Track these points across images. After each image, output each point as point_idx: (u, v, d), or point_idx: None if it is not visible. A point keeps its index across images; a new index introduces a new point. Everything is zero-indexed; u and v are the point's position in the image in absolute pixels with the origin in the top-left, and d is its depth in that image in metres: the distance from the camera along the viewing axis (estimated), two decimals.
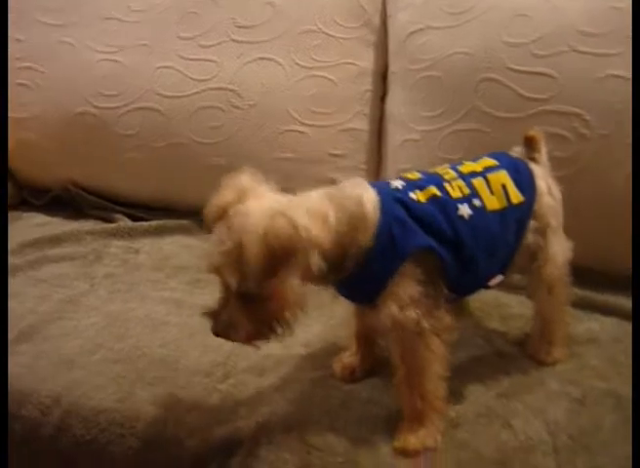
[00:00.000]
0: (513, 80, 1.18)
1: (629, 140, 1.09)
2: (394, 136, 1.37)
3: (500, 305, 1.15)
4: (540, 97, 1.16)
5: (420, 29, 1.29)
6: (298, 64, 1.40)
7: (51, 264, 1.30)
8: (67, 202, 1.54)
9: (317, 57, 1.39)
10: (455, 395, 0.91)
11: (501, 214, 0.89)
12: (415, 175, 0.91)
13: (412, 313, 0.81)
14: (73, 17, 1.52)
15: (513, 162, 0.95)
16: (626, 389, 0.89)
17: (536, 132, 0.99)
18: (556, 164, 1.13)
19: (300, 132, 1.39)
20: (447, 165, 0.95)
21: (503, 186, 0.90)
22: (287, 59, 1.40)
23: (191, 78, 1.43)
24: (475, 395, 0.93)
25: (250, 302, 0.78)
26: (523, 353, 1.02)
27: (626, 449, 0.79)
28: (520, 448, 0.84)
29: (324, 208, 0.81)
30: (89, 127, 1.47)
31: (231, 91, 1.40)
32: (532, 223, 0.93)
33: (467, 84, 1.22)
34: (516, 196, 0.91)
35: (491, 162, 0.94)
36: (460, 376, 0.93)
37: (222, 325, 0.80)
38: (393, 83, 1.38)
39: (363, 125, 1.41)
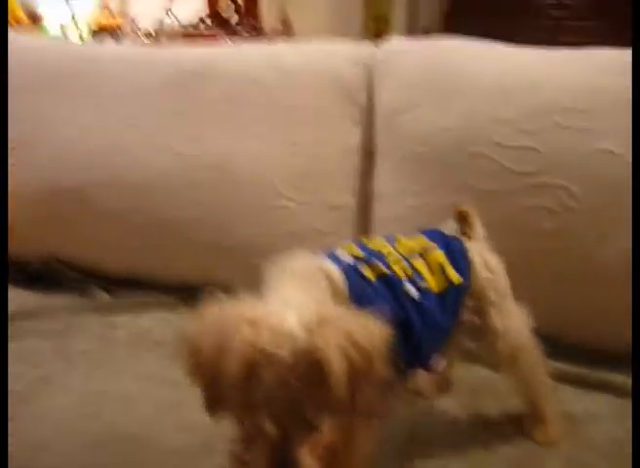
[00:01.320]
0: (500, 155, 1.19)
1: (620, 214, 1.09)
2: (381, 212, 1.37)
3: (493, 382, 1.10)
4: (527, 171, 1.17)
5: (407, 107, 1.31)
6: (286, 141, 1.41)
7: (26, 340, 1.24)
8: (47, 276, 1.50)
9: (304, 133, 1.40)
10: None
11: (442, 295, 0.86)
12: (355, 250, 0.87)
13: None
14: (61, 91, 1.53)
15: (446, 241, 0.93)
16: None
17: (467, 207, 0.98)
18: (544, 236, 1.13)
19: (286, 207, 1.38)
20: (381, 237, 0.93)
21: (441, 267, 0.88)
22: (274, 135, 1.40)
23: (180, 154, 1.42)
24: None
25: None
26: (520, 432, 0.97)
27: None
28: None
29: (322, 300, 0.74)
30: (72, 201, 1.46)
31: (219, 167, 1.41)
32: (466, 302, 0.90)
33: (455, 160, 1.23)
34: (455, 276, 0.88)
35: (426, 242, 0.91)
36: (456, 458, 0.88)
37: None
38: (380, 159, 1.38)
39: (350, 202, 1.40)
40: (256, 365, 0.62)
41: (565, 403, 1.02)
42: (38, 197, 1.49)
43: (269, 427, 0.63)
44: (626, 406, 0.97)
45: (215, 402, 0.68)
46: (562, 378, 1.06)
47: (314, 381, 0.62)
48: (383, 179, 1.36)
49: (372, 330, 0.65)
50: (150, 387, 1.08)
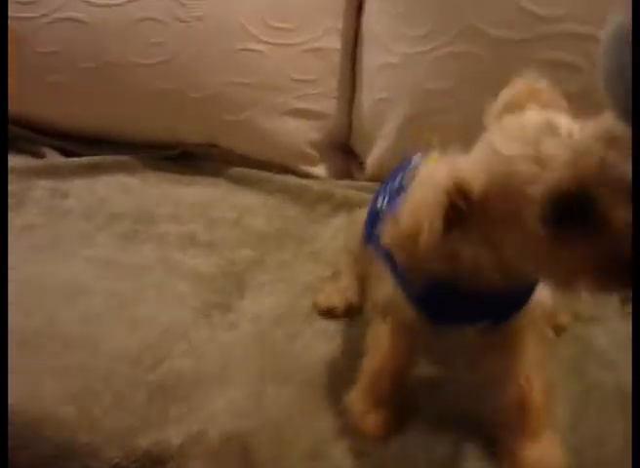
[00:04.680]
0: None
1: None
2: (370, 58, 1.15)
3: None
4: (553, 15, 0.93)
5: None
6: None
7: None
8: None
9: None
10: None
11: None
12: None
13: None
14: None
15: None
16: None
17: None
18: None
19: (257, 51, 1.16)
20: None
21: None
22: None
23: None
24: None
25: None
26: None
27: None
28: None
29: None
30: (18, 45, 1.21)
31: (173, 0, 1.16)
32: None
33: None
34: None
35: None
36: None
37: None
38: None
39: (334, 43, 1.18)
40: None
41: None
42: None
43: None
44: None
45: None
46: None
47: None
48: (374, 19, 1.13)
49: None
50: (101, 275, 0.94)
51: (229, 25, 1.15)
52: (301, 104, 1.18)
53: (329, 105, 1.20)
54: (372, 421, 0.71)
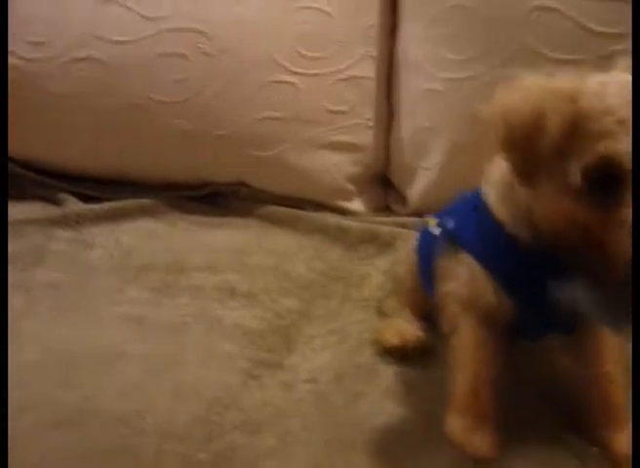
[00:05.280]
0: (578, 9, 0.88)
1: None
2: (409, 84, 1.09)
3: None
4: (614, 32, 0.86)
5: None
6: None
7: None
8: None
9: None
10: None
11: None
12: None
13: None
14: None
15: None
16: None
17: None
18: None
19: (288, 83, 1.09)
20: None
21: None
22: None
23: (143, 16, 1.10)
24: None
25: None
26: None
27: None
28: None
29: None
30: (14, 85, 1.12)
31: (198, 32, 1.09)
32: None
33: (513, 15, 0.91)
34: None
35: None
36: None
37: None
38: (407, 14, 1.07)
39: (369, 71, 1.12)
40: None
41: None
42: None
43: None
44: None
45: (529, 172, 0.58)
46: None
47: None
48: (412, 42, 1.06)
49: None
50: (135, 337, 0.86)
51: (259, 57, 1.08)
52: (337, 137, 1.12)
53: (365, 137, 1.14)
54: (479, 441, 0.66)
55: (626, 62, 0.58)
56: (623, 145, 0.51)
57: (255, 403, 0.76)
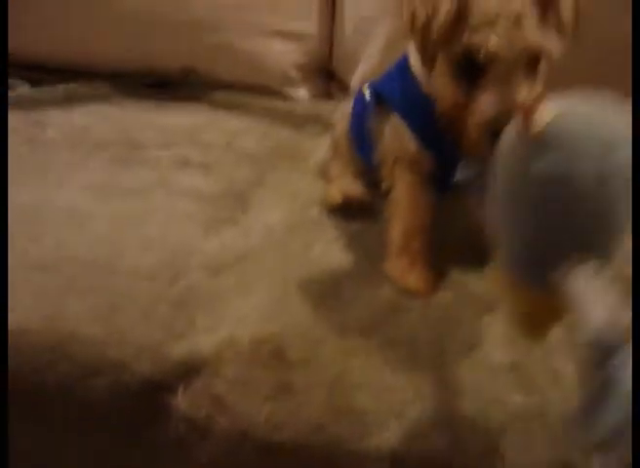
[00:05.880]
0: None
1: None
2: None
3: None
4: None
5: None
6: None
7: None
8: None
9: None
10: None
11: None
12: None
13: None
14: None
15: None
16: None
17: None
18: None
19: None
20: None
21: None
22: None
23: None
24: None
25: None
26: None
27: None
28: None
29: None
30: None
31: None
32: None
33: None
34: None
35: None
36: None
37: None
38: None
39: None
40: None
41: None
42: None
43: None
44: None
45: (430, 57, 0.68)
46: None
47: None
48: None
49: None
50: (101, 199, 0.92)
51: None
52: (282, 26, 1.16)
53: (311, 26, 1.18)
54: (414, 278, 0.78)
55: None
56: (482, 38, 0.61)
57: (215, 249, 0.84)
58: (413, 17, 0.65)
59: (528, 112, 0.47)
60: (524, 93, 0.63)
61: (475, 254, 0.78)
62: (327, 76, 1.27)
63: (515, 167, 0.49)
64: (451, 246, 0.84)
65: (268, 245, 0.85)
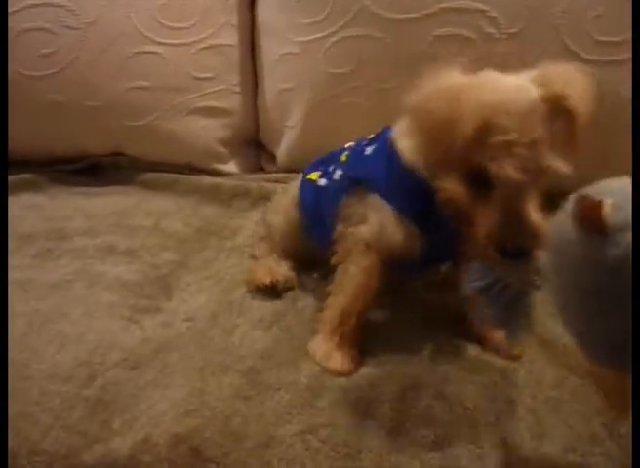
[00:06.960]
0: None
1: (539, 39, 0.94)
2: (270, 49, 1.16)
3: None
4: None
5: None
6: None
7: None
8: None
9: None
10: None
11: None
12: None
13: None
14: None
15: None
16: None
17: None
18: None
19: (154, 53, 1.14)
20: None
21: None
22: None
23: None
24: None
25: None
26: None
27: None
28: None
29: None
30: None
31: (61, 6, 1.12)
32: None
33: None
34: None
35: None
36: None
37: None
38: None
39: (231, 39, 1.18)
40: (493, 117, 0.62)
41: None
42: None
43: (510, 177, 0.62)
44: None
45: (442, 163, 0.67)
46: None
47: (557, 126, 0.63)
48: (269, 10, 1.14)
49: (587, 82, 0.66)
50: (20, 297, 0.90)
51: (123, 29, 1.12)
52: (205, 103, 1.17)
53: (233, 101, 1.20)
54: (339, 359, 0.76)
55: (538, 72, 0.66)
56: (500, 166, 0.61)
57: (135, 342, 0.82)
58: (428, 124, 0.64)
59: (590, 209, 0.46)
60: (531, 207, 0.63)
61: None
62: (256, 148, 1.28)
63: (588, 257, 0.47)
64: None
65: (189, 334, 0.84)
